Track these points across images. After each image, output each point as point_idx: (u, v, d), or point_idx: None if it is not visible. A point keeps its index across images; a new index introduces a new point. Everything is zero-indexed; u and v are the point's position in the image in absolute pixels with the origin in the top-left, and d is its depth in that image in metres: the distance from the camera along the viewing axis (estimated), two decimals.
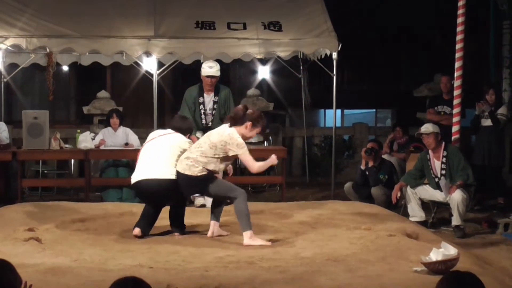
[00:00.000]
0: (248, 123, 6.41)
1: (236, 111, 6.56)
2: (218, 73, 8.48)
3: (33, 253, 5.76)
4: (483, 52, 14.80)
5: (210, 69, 8.48)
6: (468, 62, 9.30)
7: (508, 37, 13.29)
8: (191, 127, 7.25)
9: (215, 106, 8.58)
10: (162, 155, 6.64)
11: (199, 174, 6.36)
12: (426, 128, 8.50)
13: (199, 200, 8.97)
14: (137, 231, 6.51)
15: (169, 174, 6.52)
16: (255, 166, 6.50)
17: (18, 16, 9.60)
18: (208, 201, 8.72)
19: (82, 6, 10.04)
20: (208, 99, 8.66)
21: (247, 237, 6.22)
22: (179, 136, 6.81)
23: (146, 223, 6.64)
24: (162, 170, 6.56)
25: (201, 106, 9.11)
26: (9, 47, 9.65)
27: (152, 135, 6.99)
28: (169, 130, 6.91)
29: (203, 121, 9.07)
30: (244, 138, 6.45)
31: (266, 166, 6.64)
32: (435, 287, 3.05)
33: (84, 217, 7.32)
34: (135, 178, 6.70)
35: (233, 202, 6.43)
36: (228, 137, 6.37)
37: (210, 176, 6.42)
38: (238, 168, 12.27)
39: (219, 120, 8.53)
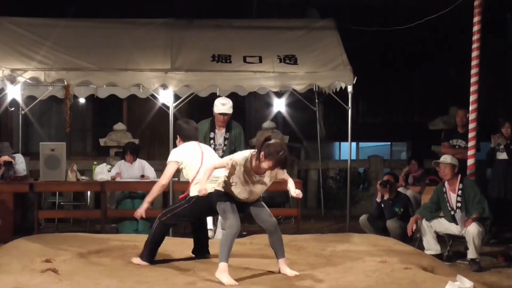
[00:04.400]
0: (261, 153, 5.86)
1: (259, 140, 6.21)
2: (230, 111, 8.47)
3: (50, 284, 5.78)
4: (499, 84, 14.81)
5: (222, 106, 8.49)
6: (483, 94, 9.31)
7: None
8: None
9: (225, 142, 8.59)
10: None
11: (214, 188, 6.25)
12: (445, 158, 8.54)
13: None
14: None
15: None
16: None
17: (37, 49, 9.72)
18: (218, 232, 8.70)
19: (99, 39, 10.16)
20: (219, 135, 8.68)
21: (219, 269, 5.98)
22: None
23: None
24: None
25: (211, 141, 9.17)
26: (27, 80, 9.75)
27: (199, 148, 6.81)
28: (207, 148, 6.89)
29: None
30: (258, 169, 5.96)
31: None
32: None
33: (100, 249, 7.34)
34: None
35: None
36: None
37: (221, 193, 6.22)
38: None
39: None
